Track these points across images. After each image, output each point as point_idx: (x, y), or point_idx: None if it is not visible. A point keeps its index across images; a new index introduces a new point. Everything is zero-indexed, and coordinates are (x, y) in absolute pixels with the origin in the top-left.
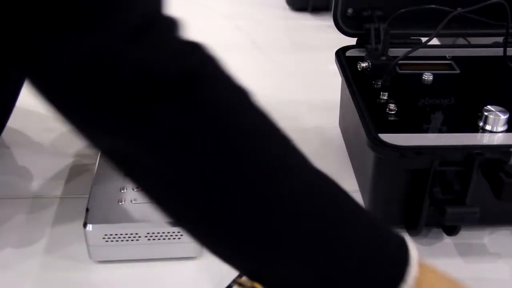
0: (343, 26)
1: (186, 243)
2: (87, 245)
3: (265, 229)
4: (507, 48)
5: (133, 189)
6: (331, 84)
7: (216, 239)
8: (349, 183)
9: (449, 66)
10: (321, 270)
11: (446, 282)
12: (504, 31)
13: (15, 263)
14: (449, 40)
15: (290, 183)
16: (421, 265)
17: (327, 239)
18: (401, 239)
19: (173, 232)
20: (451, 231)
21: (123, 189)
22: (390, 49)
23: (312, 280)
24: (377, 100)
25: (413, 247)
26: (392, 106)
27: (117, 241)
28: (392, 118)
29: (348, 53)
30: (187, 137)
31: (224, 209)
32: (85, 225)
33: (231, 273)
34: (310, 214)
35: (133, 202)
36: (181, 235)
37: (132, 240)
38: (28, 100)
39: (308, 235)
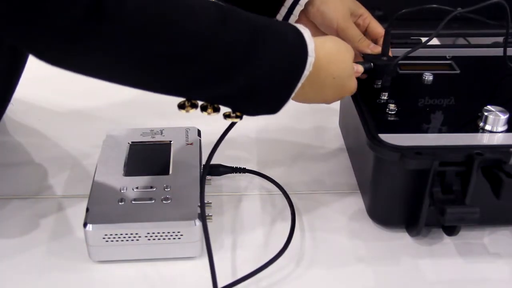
0: None
1: (186, 243)
2: (87, 245)
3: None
4: (507, 48)
5: (133, 189)
6: None
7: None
8: (349, 183)
9: (449, 66)
10: (244, 80)
11: (335, 48)
12: (504, 31)
13: (15, 263)
14: (449, 40)
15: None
16: (316, 46)
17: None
18: (297, 32)
19: (173, 232)
20: (451, 231)
21: (123, 189)
22: (390, 49)
23: (241, 86)
24: (377, 100)
25: (306, 31)
26: (392, 106)
27: (117, 241)
28: (392, 118)
29: None
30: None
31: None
32: (85, 225)
33: (231, 273)
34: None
35: (133, 202)
36: (181, 235)
37: (132, 240)
38: (28, 97)
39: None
